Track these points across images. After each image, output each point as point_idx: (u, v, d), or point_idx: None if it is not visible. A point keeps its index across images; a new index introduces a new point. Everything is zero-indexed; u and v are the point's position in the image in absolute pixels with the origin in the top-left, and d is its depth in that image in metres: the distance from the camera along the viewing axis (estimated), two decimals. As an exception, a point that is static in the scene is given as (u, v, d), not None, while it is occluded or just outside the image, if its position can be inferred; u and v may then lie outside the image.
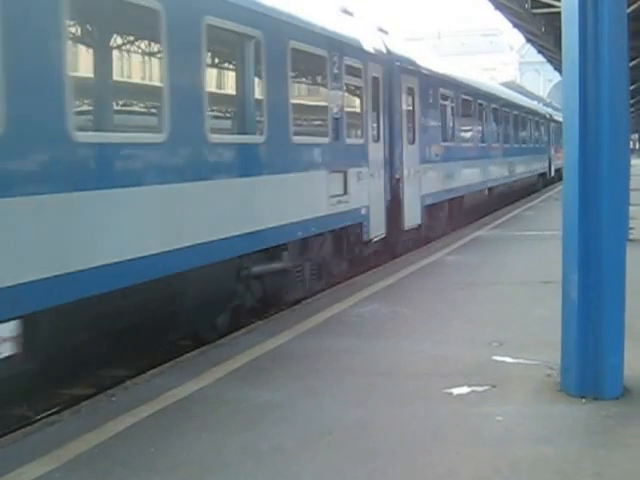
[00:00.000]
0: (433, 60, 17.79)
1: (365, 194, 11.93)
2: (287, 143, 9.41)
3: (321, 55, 10.46)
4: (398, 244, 14.19)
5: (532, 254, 12.97)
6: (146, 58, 7.33)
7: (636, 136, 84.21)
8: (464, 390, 5.89)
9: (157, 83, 7.17)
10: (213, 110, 8.04)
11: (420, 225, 14.75)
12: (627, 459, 4.63)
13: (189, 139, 7.45)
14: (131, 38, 7.12)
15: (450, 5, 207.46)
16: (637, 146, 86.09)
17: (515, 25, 19.49)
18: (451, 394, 5.83)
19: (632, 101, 26.56)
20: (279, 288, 9.82)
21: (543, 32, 18.19)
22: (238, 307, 9.03)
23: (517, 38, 59.95)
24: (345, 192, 11.12)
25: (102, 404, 5.96)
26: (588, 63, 5.44)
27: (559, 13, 6.39)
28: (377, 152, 12.60)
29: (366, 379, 6.29)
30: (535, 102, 37.55)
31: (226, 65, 8.74)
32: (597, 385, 5.58)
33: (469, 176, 19.30)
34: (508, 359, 6.66)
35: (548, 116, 36.13)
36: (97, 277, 6.15)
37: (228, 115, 8.82)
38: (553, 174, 35.44)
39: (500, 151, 23.51)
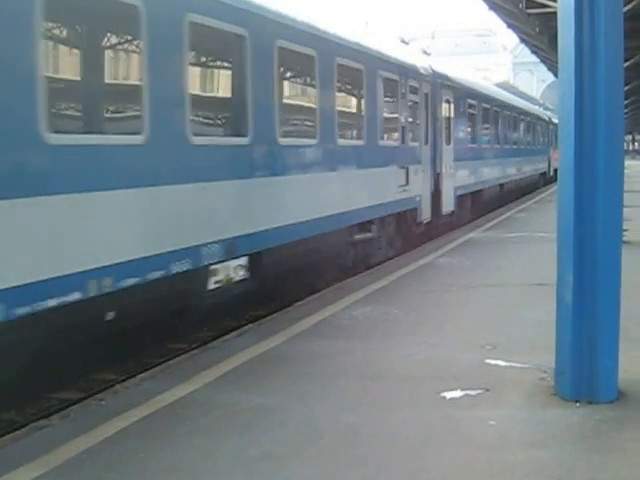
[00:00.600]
0: (460, 74, 20.68)
1: (419, 185, 15.14)
2: (377, 145, 12.85)
3: (396, 79, 13.85)
4: (436, 227, 16.85)
5: (526, 256, 12.95)
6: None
7: (629, 137, 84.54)
8: (457, 394, 5.84)
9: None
10: (340, 122, 11.25)
11: (453, 212, 17.95)
12: (622, 464, 4.58)
13: (328, 143, 10.74)
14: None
15: (444, 5, 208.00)
16: (630, 147, 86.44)
17: (509, 25, 19.54)
18: (444, 398, 5.77)
19: (626, 102, 26.63)
20: (366, 253, 12.94)
21: (537, 32, 18.23)
22: (339, 265, 12.04)
23: (511, 38, 60.27)
24: (407, 183, 14.28)
25: (91, 408, 5.90)
26: (584, 62, 5.40)
27: (554, 13, 6.37)
28: (426, 152, 15.91)
29: (358, 383, 6.24)
30: (537, 107, 38.51)
31: (348, 90, 12.17)
32: (592, 389, 5.53)
33: (487, 173, 22.67)
34: (501, 362, 6.62)
35: (547, 119, 37.78)
36: (292, 230, 9.53)
37: (346, 123, 11.84)
38: (552, 173, 36.85)
39: (510, 152, 26.57)
